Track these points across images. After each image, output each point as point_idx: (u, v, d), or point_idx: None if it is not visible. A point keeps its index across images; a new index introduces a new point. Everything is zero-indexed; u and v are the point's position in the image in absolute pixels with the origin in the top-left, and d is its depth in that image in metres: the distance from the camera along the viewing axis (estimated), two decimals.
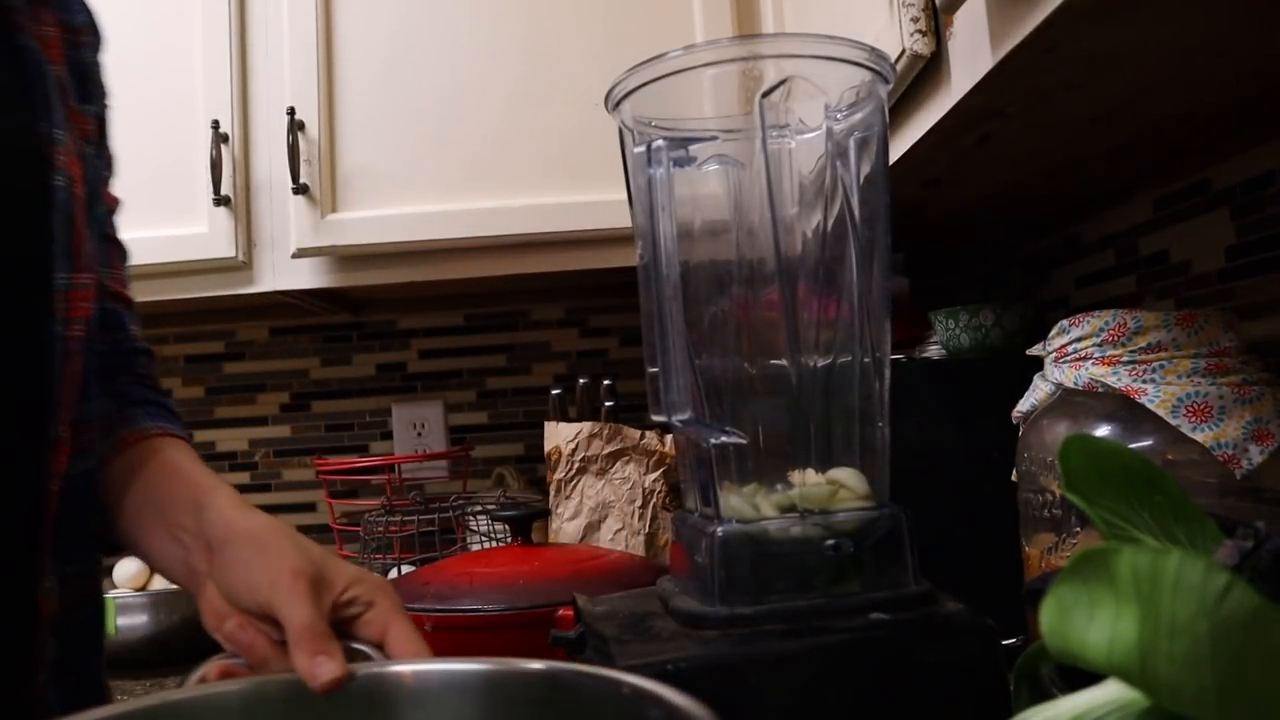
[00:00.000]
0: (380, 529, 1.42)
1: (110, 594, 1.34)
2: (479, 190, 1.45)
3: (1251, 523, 0.35)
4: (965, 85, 0.69)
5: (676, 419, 0.55)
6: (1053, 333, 0.81)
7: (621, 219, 0.68)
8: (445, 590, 0.86)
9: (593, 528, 1.31)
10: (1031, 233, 1.31)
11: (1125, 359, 0.74)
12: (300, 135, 1.43)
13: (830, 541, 0.55)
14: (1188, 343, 0.73)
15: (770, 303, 0.60)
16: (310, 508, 1.82)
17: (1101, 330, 0.76)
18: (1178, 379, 0.72)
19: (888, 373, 0.60)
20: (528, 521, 0.99)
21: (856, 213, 0.59)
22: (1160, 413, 0.70)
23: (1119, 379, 0.73)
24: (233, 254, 1.45)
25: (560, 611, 0.66)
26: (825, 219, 0.61)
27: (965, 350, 1.14)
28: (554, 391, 1.47)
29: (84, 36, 0.72)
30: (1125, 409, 0.73)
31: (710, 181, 0.62)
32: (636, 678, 0.42)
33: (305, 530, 0.89)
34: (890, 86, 0.61)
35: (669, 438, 1.33)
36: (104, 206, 0.75)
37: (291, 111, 1.42)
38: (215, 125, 1.44)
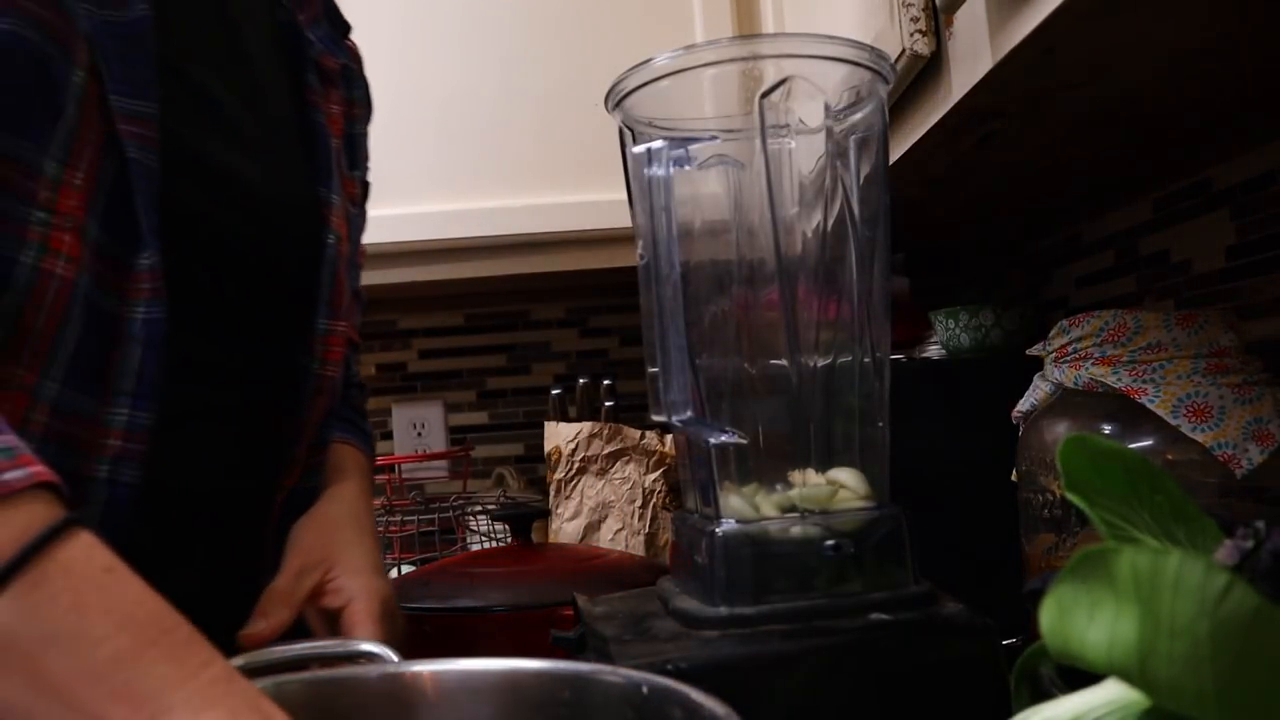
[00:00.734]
0: (380, 529, 1.42)
1: None
2: (479, 190, 1.45)
3: (1251, 523, 0.35)
4: (965, 85, 0.69)
5: (676, 419, 0.55)
6: (1053, 333, 0.81)
7: (621, 219, 0.67)
8: (445, 590, 0.86)
9: (593, 528, 1.31)
10: (1031, 233, 1.31)
11: (1125, 359, 0.74)
12: None
13: (830, 541, 0.55)
14: (1188, 343, 0.73)
15: (770, 303, 0.60)
16: None
17: (1101, 330, 0.76)
18: (1178, 379, 0.72)
19: (888, 373, 0.60)
20: (528, 521, 0.99)
21: (856, 213, 0.59)
22: (1160, 413, 0.70)
23: (1119, 379, 0.73)
24: None
25: (561, 611, 0.66)
26: (825, 219, 0.61)
27: (965, 350, 1.14)
28: (554, 391, 1.47)
29: (358, 110, 0.83)
30: (1125, 409, 0.73)
31: (710, 181, 0.62)
32: (657, 677, 0.42)
33: None
34: (890, 86, 0.61)
35: (669, 438, 1.33)
36: (358, 261, 0.84)
37: None
38: None
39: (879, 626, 0.53)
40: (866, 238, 0.60)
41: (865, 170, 0.60)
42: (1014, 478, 0.85)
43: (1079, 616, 0.30)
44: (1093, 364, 0.75)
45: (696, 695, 0.39)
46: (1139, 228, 1.08)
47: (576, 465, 1.32)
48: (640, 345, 0.57)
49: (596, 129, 1.42)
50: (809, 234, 0.61)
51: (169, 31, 0.60)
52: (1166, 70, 0.66)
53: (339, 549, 0.67)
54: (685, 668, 0.49)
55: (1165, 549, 0.28)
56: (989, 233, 1.36)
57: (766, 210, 0.59)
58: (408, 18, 1.47)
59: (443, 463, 1.78)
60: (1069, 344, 0.78)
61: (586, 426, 1.33)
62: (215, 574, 0.69)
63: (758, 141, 0.58)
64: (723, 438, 0.58)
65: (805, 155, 0.61)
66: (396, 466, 1.55)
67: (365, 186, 0.86)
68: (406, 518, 1.42)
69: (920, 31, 0.73)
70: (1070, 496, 0.36)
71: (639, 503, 1.30)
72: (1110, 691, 0.33)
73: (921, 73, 0.77)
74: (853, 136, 0.60)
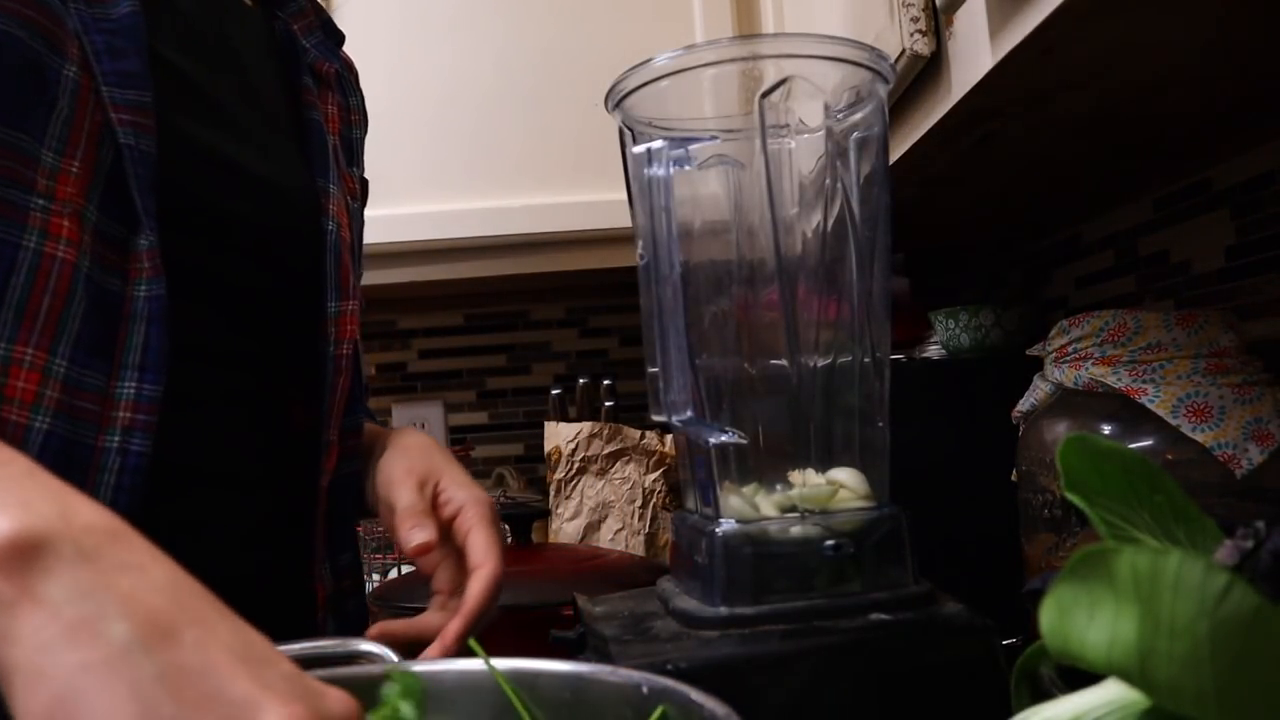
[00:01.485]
0: (380, 529, 1.42)
1: None
2: (479, 190, 1.45)
3: (1251, 523, 0.35)
4: (965, 85, 0.69)
5: (676, 419, 0.55)
6: (1053, 333, 0.81)
7: (621, 219, 0.68)
8: None
9: (593, 528, 1.31)
10: (1031, 233, 1.31)
11: (1125, 359, 0.74)
12: None
13: (830, 541, 0.55)
14: (1188, 343, 0.73)
15: (770, 303, 0.60)
16: None
17: (1101, 330, 0.76)
18: (1178, 379, 0.72)
19: (888, 373, 0.60)
20: (528, 521, 0.99)
21: (856, 213, 0.59)
22: (1160, 413, 0.70)
23: (1119, 379, 0.73)
24: None
25: (561, 611, 0.66)
26: (825, 219, 0.61)
27: (965, 350, 1.14)
28: (554, 391, 1.47)
29: (355, 116, 0.87)
30: (1125, 409, 0.73)
31: (710, 181, 0.62)
32: (657, 677, 0.42)
33: None
34: (890, 86, 0.61)
35: (669, 438, 1.33)
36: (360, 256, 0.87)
37: None
38: None
39: (879, 626, 0.53)
40: (866, 238, 0.60)
41: (865, 170, 0.60)
42: (1014, 478, 0.85)
43: (1079, 616, 0.30)
44: (1093, 364, 0.75)
45: (696, 695, 0.39)
46: (1139, 228, 1.08)
47: (576, 465, 1.32)
48: (640, 345, 0.57)
49: (596, 129, 1.43)
50: (809, 234, 0.61)
51: (158, 28, 0.63)
52: (1166, 70, 0.66)
53: (439, 466, 0.73)
54: (685, 668, 0.49)
55: (1165, 549, 0.28)
56: (989, 233, 1.36)
57: (766, 210, 0.59)
58: (407, 18, 1.47)
59: None
60: (1069, 344, 0.78)
61: (586, 426, 1.33)
62: (261, 557, 0.71)
63: (758, 141, 0.58)
64: (723, 438, 0.58)
65: (805, 155, 0.61)
66: None
67: (364, 184, 0.88)
68: None
69: (920, 31, 0.73)
70: (1070, 496, 0.36)
71: (639, 503, 1.30)
72: (1110, 691, 0.33)
73: (921, 73, 0.77)
74: (853, 136, 0.60)
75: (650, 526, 1.29)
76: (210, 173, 0.67)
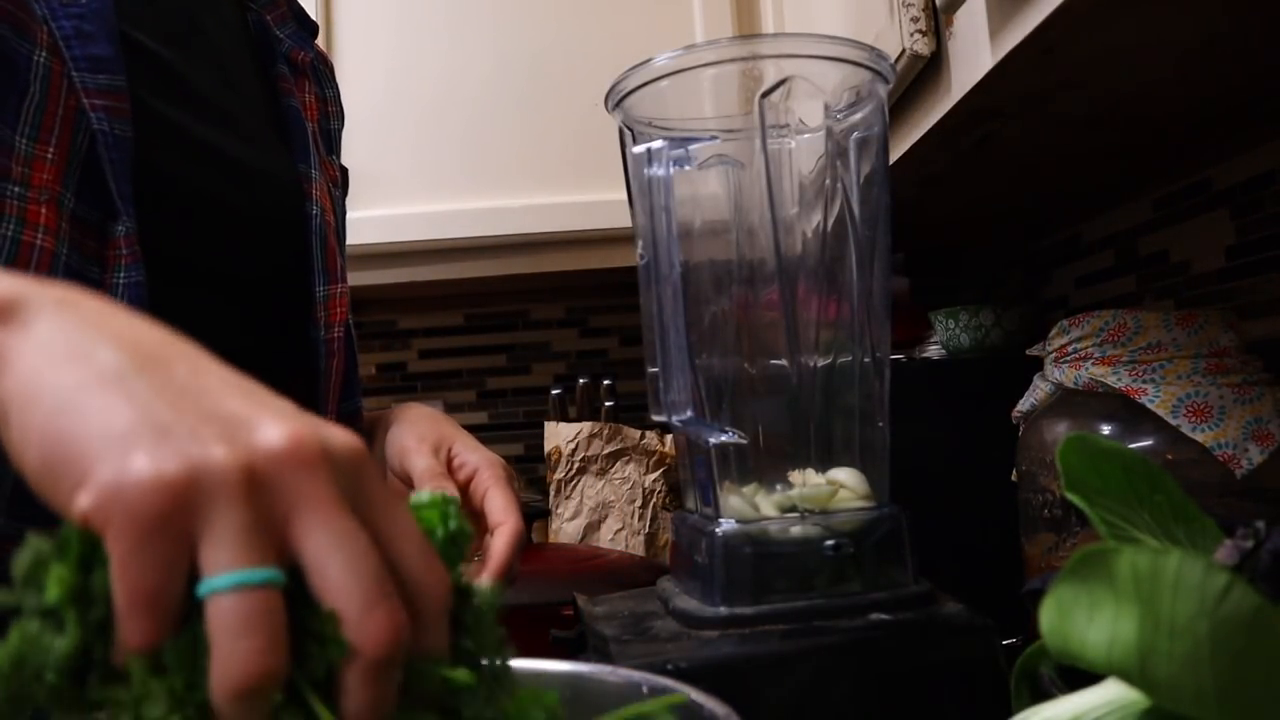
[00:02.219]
0: None
1: None
2: (479, 190, 1.45)
3: (1251, 523, 0.35)
4: (965, 85, 0.69)
5: (676, 419, 0.55)
6: (1053, 333, 0.81)
7: (621, 219, 0.68)
8: None
9: (593, 528, 1.31)
10: (1031, 233, 1.31)
11: (1125, 359, 0.74)
12: None
13: (830, 541, 0.55)
14: (1188, 343, 0.73)
15: (770, 303, 0.60)
16: None
17: (1101, 330, 0.76)
18: (1178, 379, 0.72)
19: (888, 373, 0.60)
20: (528, 522, 0.99)
21: (856, 213, 0.59)
22: (1160, 413, 0.70)
23: (1119, 379, 0.73)
24: None
25: (561, 611, 0.66)
26: (825, 219, 0.61)
27: (965, 350, 1.14)
28: (554, 391, 1.47)
29: (331, 108, 0.87)
30: (1125, 409, 0.73)
31: (710, 181, 0.62)
32: (657, 677, 0.42)
33: None
34: (890, 86, 0.61)
35: (669, 438, 1.33)
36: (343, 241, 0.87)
37: None
38: None
39: (879, 626, 0.53)
40: (866, 238, 0.60)
41: (865, 170, 0.60)
42: (1014, 478, 0.85)
43: (1079, 616, 0.30)
44: (1093, 364, 0.75)
45: (696, 695, 0.39)
46: (1139, 228, 1.08)
47: (576, 465, 1.32)
48: (640, 345, 0.57)
49: (596, 129, 1.43)
50: (809, 234, 0.61)
51: (129, 14, 0.63)
52: (1166, 70, 0.66)
53: (450, 433, 0.74)
54: (685, 668, 0.49)
55: (1165, 549, 0.28)
56: (989, 233, 1.36)
57: (766, 210, 0.59)
58: (407, 18, 1.47)
59: None
60: (1069, 344, 0.78)
61: (586, 426, 1.33)
62: None
63: (758, 141, 0.58)
64: (723, 438, 0.58)
65: (805, 155, 0.61)
66: None
67: (344, 172, 0.89)
68: None
69: (920, 31, 0.73)
70: (1070, 496, 0.36)
71: (639, 503, 1.30)
72: (1110, 691, 0.33)
73: (921, 73, 0.77)
74: (853, 136, 0.60)
75: (650, 526, 1.29)
76: (190, 157, 0.66)
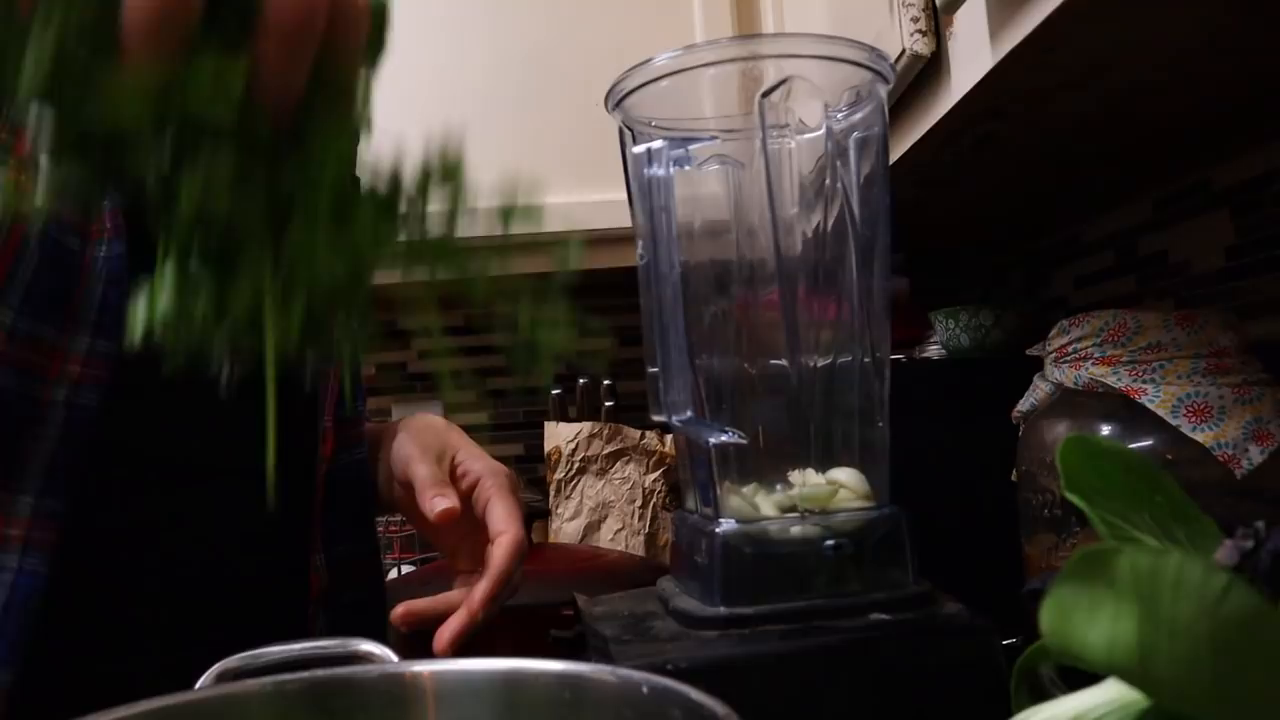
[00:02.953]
0: (380, 529, 1.42)
1: None
2: (475, 189, 1.45)
3: (1251, 523, 0.35)
4: (965, 85, 0.69)
5: (676, 419, 0.55)
6: (1053, 333, 0.81)
7: (621, 219, 0.68)
8: (445, 590, 0.86)
9: (593, 528, 1.31)
10: (1031, 233, 1.31)
11: (1125, 359, 0.74)
12: None
13: (830, 541, 0.55)
14: (1188, 343, 0.73)
15: (770, 303, 0.60)
16: None
17: (1101, 330, 0.76)
18: (1178, 379, 0.72)
19: (888, 373, 0.60)
20: (528, 522, 0.99)
21: (856, 213, 0.59)
22: (1160, 413, 0.70)
23: (1119, 379, 0.73)
24: None
25: (561, 611, 0.66)
26: (825, 219, 0.61)
27: (965, 350, 1.14)
28: (554, 391, 1.47)
29: None
30: (1125, 409, 0.73)
31: (710, 181, 0.62)
32: (657, 677, 0.42)
33: None
34: (890, 86, 0.61)
35: (669, 438, 1.33)
36: None
37: None
38: None
39: (879, 626, 0.53)
40: (866, 238, 0.60)
41: (865, 170, 0.60)
42: (1014, 478, 0.85)
43: (1079, 616, 0.30)
44: (1093, 364, 0.75)
45: (696, 695, 0.39)
46: (1139, 228, 1.08)
47: (576, 465, 1.32)
48: (640, 345, 0.57)
49: (596, 129, 1.43)
50: (809, 234, 0.61)
51: None
52: (1166, 70, 0.66)
53: (454, 441, 0.74)
54: (685, 668, 0.49)
55: (1165, 549, 0.28)
56: (989, 233, 1.36)
57: (766, 210, 0.59)
58: (406, 18, 1.46)
59: None
60: (1069, 344, 0.78)
61: (586, 426, 1.33)
62: (255, 548, 0.70)
63: (758, 141, 0.58)
64: (723, 438, 0.58)
65: (805, 155, 0.61)
66: None
67: None
68: None
69: (920, 31, 0.73)
70: (1070, 496, 0.36)
71: (639, 503, 1.30)
72: (1110, 691, 0.33)
73: (921, 73, 0.77)
74: (853, 136, 0.60)
75: (650, 526, 1.29)
76: None
